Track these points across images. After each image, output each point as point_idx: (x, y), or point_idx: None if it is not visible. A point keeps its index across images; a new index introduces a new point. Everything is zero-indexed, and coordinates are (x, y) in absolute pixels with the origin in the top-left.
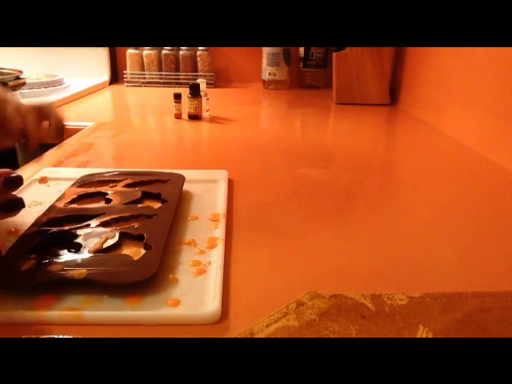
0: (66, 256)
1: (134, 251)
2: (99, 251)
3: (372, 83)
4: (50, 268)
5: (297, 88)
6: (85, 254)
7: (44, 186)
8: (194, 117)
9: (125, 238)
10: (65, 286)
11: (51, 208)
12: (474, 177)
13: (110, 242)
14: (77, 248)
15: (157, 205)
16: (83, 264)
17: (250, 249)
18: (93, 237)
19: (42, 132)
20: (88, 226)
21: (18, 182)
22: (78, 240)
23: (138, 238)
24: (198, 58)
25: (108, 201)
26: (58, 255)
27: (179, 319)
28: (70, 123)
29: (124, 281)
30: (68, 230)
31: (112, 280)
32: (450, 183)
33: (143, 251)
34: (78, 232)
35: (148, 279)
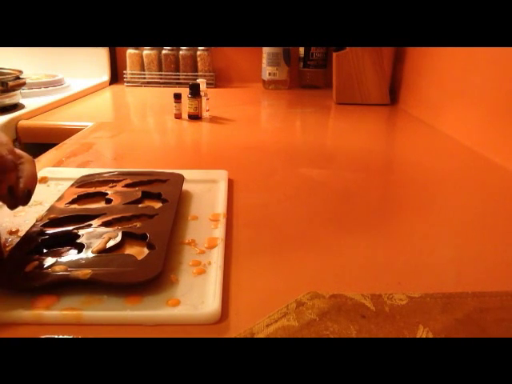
0: (69, 256)
1: (137, 251)
2: (103, 251)
3: (372, 83)
4: (54, 269)
5: (297, 88)
6: (88, 254)
7: (44, 186)
8: (194, 117)
9: (127, 237)
10: (65, 286)
11: (52, 208)
12: (474, 177)
13: (113, 242)
14: (80, 248)
15: (157, 205)
16: (87, 264)
17: (250, 249)
18: (95, 237)
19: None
20: (90, 226)
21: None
22: (81, 240)
23: (140, 238)
24: (198, 58)
25: (108, 201)
26: (61, 256)
27: (179, 319)
28: (70, 123)
29: (129, 280)
30: (70, 230)
31: (117, 280)
32: (450, 183)
33: (146, 251)
34: (80, 232)
35: (153, 279)
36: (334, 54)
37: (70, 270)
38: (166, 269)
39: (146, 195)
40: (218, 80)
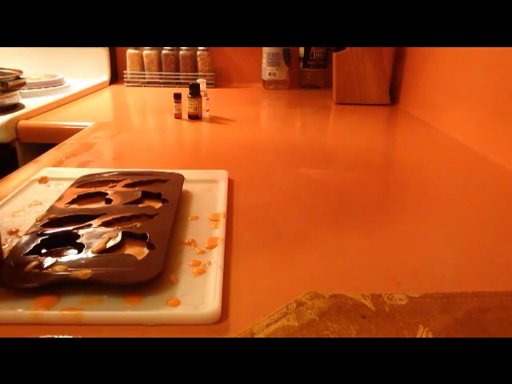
0: (69, 256)
1: (137, 251)
2: (103, 251)
3: (372, 83)
4: (54, 269)
5: (297, 88)
6: (88, 254)
7: (44, 186)
8: (194, 117)
9: (127, 237)
10: (65, 286)
11: (52, 208)
12: (474, 177)
13: (113, 242)
14: (80, 248)
15: (157, 205)
16: (87, 264)
17: (250, 249)
18: (95, 237)
19: None
20: (90, 226)
21: None
22: (81, 240)
23: (140, 238)
24: (198, 58)
25: (108, 201)
26: (61, 256)
27: (179, 319)
28: (70, 123)
29: (129, 281)
30: (70, 230)
31: (117, 280)
32: (450, 183)
33: (146, 251)
34: (80, 232)
35: (153, 279)
36: (334, 54)
37: (69, 270)
38: (165, 269)
39: (146, 195)
40: (218, 80)
